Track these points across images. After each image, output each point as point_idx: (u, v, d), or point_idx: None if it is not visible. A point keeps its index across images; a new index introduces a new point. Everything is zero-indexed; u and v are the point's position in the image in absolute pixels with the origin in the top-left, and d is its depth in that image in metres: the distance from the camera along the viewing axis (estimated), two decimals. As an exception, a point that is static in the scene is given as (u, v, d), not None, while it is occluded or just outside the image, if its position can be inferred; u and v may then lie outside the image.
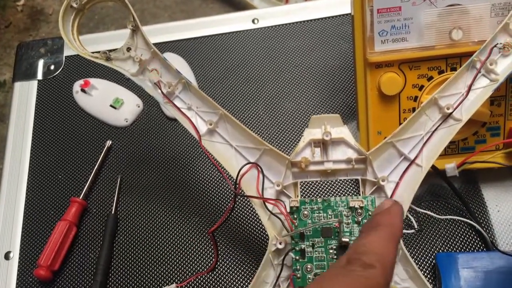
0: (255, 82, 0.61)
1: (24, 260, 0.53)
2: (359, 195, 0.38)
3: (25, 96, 0.64)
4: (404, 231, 0.37)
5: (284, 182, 0.38)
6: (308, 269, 0.35)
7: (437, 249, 0.48)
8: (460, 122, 0.38)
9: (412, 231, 0.37)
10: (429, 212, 0.42)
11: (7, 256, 0.54)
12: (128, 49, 0.41)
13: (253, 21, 0.65)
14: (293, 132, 0.57)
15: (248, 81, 0.61)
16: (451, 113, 0.37)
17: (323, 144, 0.38)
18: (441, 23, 0.43)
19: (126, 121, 0.61)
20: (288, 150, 0.56)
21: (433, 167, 0.42)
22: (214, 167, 0.56)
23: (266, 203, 0.37)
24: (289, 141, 0.57)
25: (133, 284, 0.51)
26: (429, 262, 0.47)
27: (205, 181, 0.55)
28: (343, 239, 0.34)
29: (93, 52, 0.43)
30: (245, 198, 0.39)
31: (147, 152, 0.58)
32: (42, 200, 0.57)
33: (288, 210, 0.37)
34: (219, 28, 0.65)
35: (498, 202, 0.50)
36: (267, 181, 0.38)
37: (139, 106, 0.61)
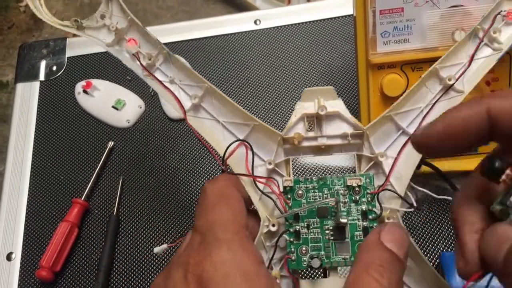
0: (257, 83, 0.61)
1: (26, 261, 0.53)
2: (355, 172, 0.36)
3: (27, 97, 0.64)
4: (403, 209, 0.35)
5: (276, 160, 0.36)
6: (303, 251, 0.33)
7: (441, 248, 0.48)
8: (462, 94, 0.36)
9: (411, 209, 0.35)
10: (427, 191, 0.39)
11: (9, 257, 0.54)
12: (102, 16, 0.38)
13: (255, 22, 0.65)
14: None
15: (250, 81, 0.61)
16: (452, 84, 0.35)
17: (317, 119, 0.35)
18: (444, 24, 0.43)
19: (128, 122, 0.61)
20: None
21: (435, 168, 0.42)
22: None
23: (258, 183, 0.35)
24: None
25: (134, 285, 0.51)
26: (433, 261, 0.47)
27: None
28: (341, 220, 0.32)
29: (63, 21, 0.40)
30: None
31: (149, 153, 0.58)
32: (44, 201, 0.57)
33: (282, 189, 0.34)
34: (221, 29, 0.65)
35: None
36: (258, 159, 0.36)
37: (141, 107, 0.61)
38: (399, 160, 0.35)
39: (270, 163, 0.35)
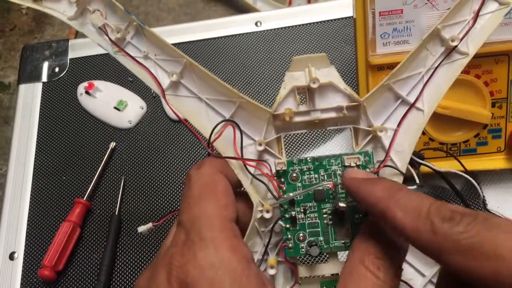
0: (258, 84, 0.62)
1: (28, 261, 0.54)
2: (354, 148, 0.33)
3: (30, 98, 0.65)
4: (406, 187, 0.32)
5: (266, 138, 0.33)
6: (301, 238, 0.31)
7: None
8: (467, 56, 0.32)
9: (414, 187, 0.31)
10: (430, 165, 0.37)
11: (11, 257, 0.54)
12: None
13: (256, 23, 0.66)
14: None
15: (251, 83, 0.62)
16: (456, 46, 0.32)
17: (309, 90, 0.32)
18: (443, 25, 0.44)
19: (130, 123, 0.61)
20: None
21: (434, 169, 0.42)
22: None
23: (248, 166, 0.32)
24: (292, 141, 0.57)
25: (136, 285, 0.51)
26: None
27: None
28: (340, 204, 0.30)
29: None
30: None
31: (150, 154, 0.59)
32: (47, 201, 0.57)
33: (274, 173, 0.32)
34: (222, 30, 0.66)
35: (499, 203, 0.50)
36: (247, 138, 0.33)
37: (142, 108, 0.62)
38: (400, 132, 0.32)
39: (260, 144, 0.32)
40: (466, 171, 0.40)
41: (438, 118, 0.45)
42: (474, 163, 0.48)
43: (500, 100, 0.46)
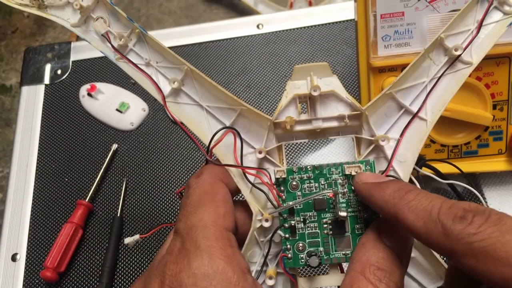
0: (259, 87, 0.62)
1: (30, 262, 0.54)
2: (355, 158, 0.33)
3: (32, 101, 0.65)
4: None
5: (267, 147, 0.33)
6: (300, 248, 0.30)
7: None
8: (471, 66, 0.32)
9: None
10: (433, 176, 0.36)
11: (14, 258, 0.54)
12: None
13: (257, 26, 0.66)
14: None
15: (252, 85, 0.62)
16: (459, 55, 0.31)
17: (310, 99, 0.32)
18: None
19: (132, 125, 0.61)
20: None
21: (435, 170, 0.42)
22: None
23: (247, 174, 0.32)
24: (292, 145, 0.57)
25: (138, 286, 0.51)
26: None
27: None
28: (341, 214, 0.29)
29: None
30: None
31: (152, 156, 0.59)
32: (49, 203, 0.57)
33: (274, 181, 0.31)
34: (224, 33, 0.66)
35: (501, 206, 0.50)
36: (247, 146, 0.33)
37: (144, 110, 0.62)
38: (402, 142, 0.32)
39: (260, 152, 0.32)
40: (466, 178, 0.39)
41: (439, 120, 0.45)
42: (475, 165, 0.48)
43: (501, 102, 0.46)
